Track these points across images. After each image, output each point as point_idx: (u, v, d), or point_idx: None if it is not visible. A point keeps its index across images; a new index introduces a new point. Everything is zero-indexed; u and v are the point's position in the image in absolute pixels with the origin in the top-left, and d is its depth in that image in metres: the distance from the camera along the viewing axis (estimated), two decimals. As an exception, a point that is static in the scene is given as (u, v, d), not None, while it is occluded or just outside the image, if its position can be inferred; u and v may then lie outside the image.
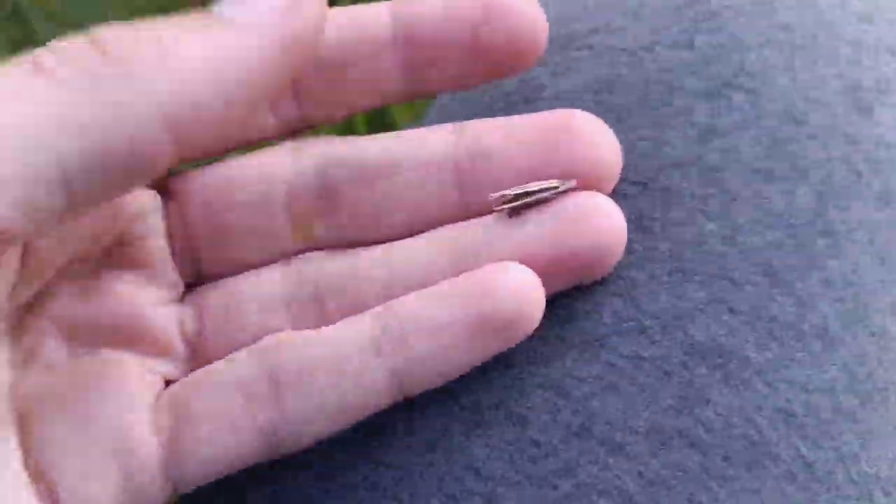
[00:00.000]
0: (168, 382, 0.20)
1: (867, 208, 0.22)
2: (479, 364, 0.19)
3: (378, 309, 0.19)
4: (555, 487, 0.19)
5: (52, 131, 0.15)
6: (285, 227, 0.21)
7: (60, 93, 0.15)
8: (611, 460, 0.19)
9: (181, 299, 0.21)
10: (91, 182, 0.16)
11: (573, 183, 0.19)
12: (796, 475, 0.20)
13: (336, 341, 0.19)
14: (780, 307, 0.20)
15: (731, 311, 0.20)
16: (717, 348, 0.20)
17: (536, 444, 0.19)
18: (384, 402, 0.19)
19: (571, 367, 0.19)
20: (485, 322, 0.19)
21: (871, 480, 0.21)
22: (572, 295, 0.20)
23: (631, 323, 0.20)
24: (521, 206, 0.20)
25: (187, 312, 0.21)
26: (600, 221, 0.19)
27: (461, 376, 0.19)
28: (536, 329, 0.19)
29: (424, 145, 0.20)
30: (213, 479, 0.19)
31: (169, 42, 0.16)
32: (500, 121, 0.20)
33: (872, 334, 0.21)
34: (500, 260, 0.19)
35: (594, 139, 0.20)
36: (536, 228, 0.20)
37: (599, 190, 0.20)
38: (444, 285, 0.19)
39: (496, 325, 0.19)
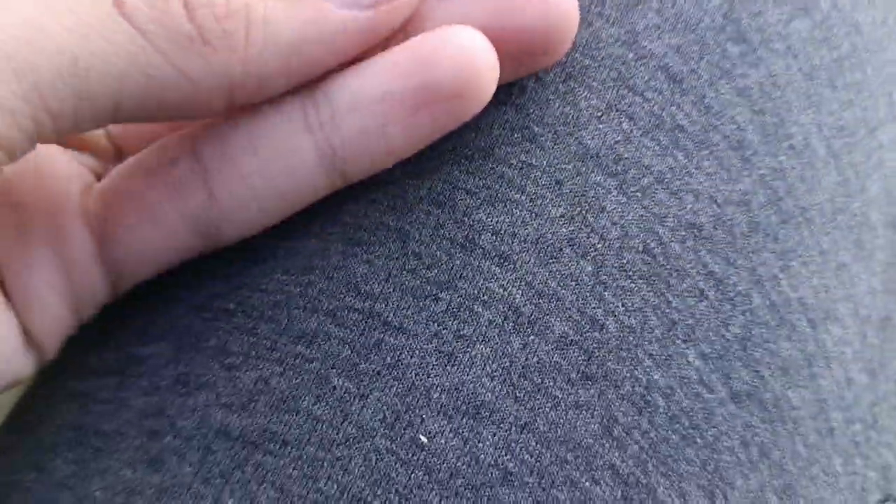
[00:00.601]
0: (99, 178, 0.19)
1: (785, 17, 0.20)
2: (424, 143, 0.17)
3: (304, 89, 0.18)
4: (436, 300, 0.18)
5: (113, 72, 0.15)
6: None
7: (133, 38, 0.15)
8: (496, 271, 0.18)
9: None
10: (123, 117, 0.16)
11: None
12: (705, 293, 0.18)
13: (261, 122, 0.17)
14: (686, 115, 0.19)
15: (630, 118, 0.19)
16: (613, 156, 0.18)
17: (418, 257, 0.18)
18: (321, 186, 0.18)
19: (456, 179, 0.18)
20: (429, 93, 0.16)
21: (793, 306, 0.19)
22: None
23: (520, 132, 0.18)
24: None
25: None
26: None
27: (336, 195, 0.18)
28: None
29: None
30: (150, 274, 0.18)
31: (257, 19, 0.16)
32: None
33: (793, 149, 0.20)
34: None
35: None
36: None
37: None
38: (379, 55, 0.17)
39: (443, 95, 0.16)
